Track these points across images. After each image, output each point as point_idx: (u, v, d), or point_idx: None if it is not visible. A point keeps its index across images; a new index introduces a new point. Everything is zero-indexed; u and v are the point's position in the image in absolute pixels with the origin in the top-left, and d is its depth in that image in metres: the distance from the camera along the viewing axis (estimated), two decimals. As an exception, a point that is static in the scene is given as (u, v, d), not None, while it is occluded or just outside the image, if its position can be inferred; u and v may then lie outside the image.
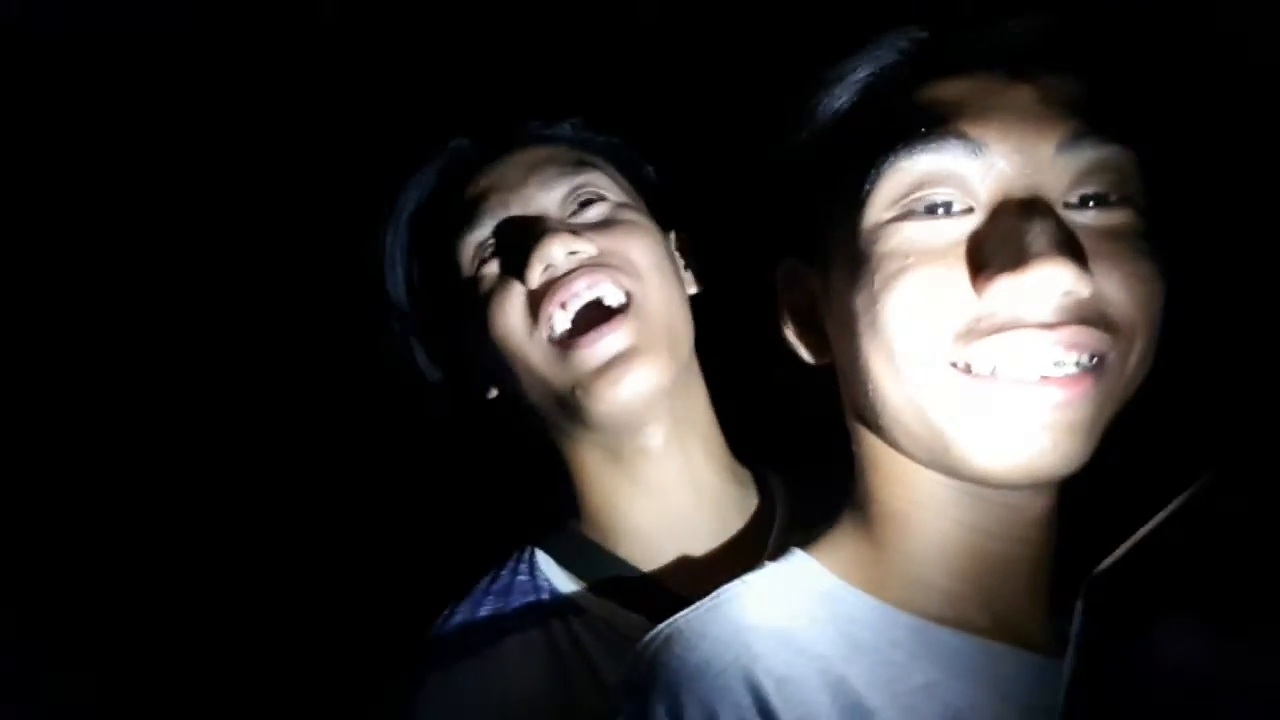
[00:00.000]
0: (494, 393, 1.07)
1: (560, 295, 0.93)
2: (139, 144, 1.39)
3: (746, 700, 0.65)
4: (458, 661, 0.96)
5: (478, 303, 0.98)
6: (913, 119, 0.68)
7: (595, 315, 0.94)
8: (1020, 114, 0.68)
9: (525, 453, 1.08)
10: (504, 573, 1.04)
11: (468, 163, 1.04)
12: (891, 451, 0.74)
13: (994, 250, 0.65)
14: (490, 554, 1.08)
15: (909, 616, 0.72)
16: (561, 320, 0.94)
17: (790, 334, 0.83)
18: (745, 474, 1.05)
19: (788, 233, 0.81)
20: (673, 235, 1.08)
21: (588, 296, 0.94)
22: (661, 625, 0.73)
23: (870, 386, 0.71)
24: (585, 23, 1.31)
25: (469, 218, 1.00)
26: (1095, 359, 0.66)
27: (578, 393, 0.93)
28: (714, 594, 0.75)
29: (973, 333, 0.66)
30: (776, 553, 0.93)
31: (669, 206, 1.08)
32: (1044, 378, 0.65)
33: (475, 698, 0.94)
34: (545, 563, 1.02)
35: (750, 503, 1.03)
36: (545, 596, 0.99)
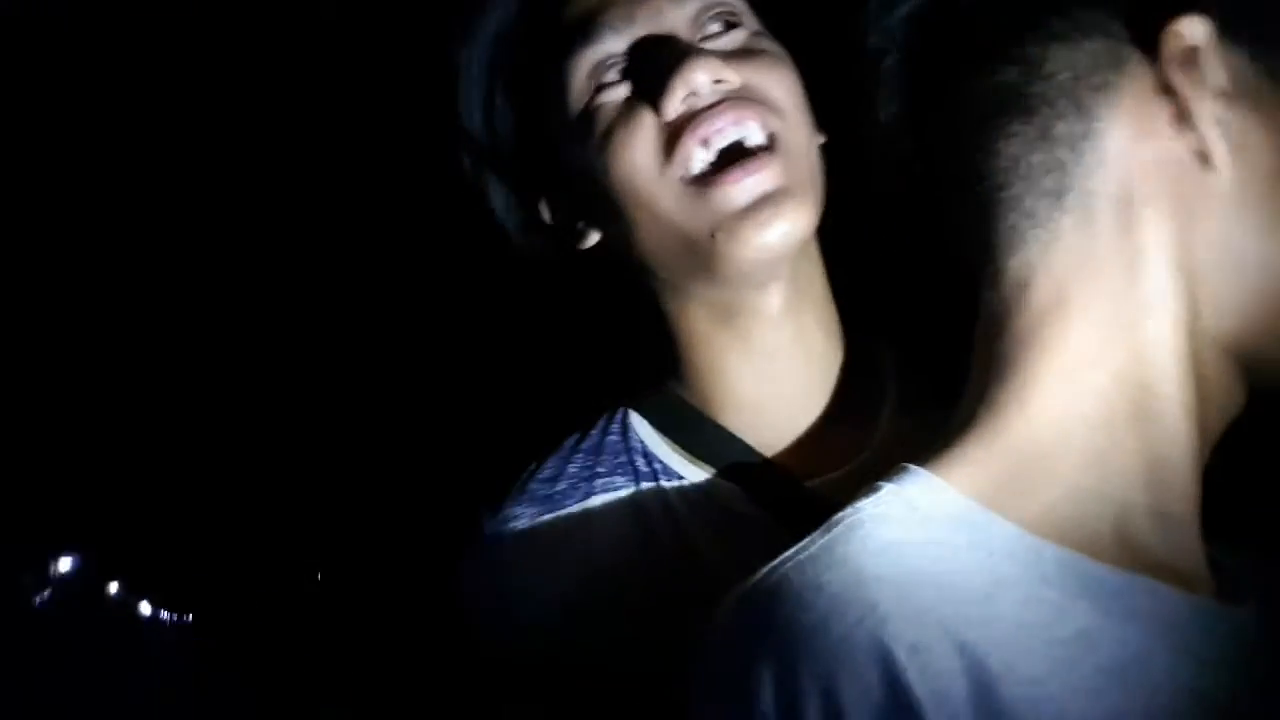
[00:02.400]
0: (593, 239, 0.98)
1: (702, 130, 0.84)
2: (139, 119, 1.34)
3: (874, 673, 0.54)
4: (542, 517, 0.94)
5: (595, 133, 0.88)
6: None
7: (736, 156, 0.85)
8: None
9: (619, 310, 1.04)
10: (594, 432, 1.00)
11: None
12: (1131, 319, 0.62)
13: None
14: (576, 416, 1.03)
15: (1062, 551, 0.60)
16: (702, 158, 0.85)
17: (1206, 108, 0.61)
18: (856, 347, 0.98)
19: None
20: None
21: (733, 135, 0.85)
22: (765, 569, 0.62)
23: None
24: None
25: (585, 32, 0.88)
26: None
27: (718, 236, 0.84)
28: (824, 526, 0.62)
29: None
30: (891, 443, 0.90)
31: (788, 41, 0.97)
32: None
33: (558, 558, 0.91)
34: (639, 424, 0.97)
35: (857, 380, 0.96)
36: (638, 458, 0.95)
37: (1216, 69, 0.59)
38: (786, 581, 0.60)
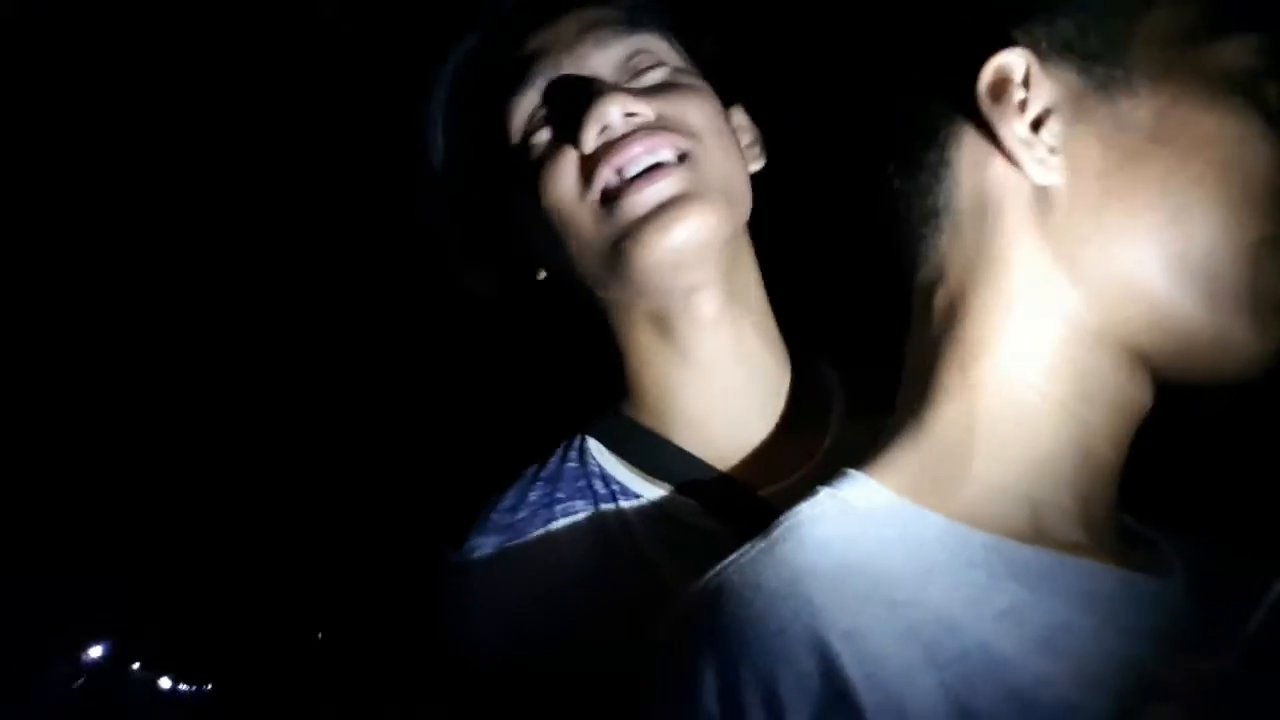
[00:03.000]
0: (543, 274, 1.03)
1: (615, 160, 0.89)
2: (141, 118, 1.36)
3: (810, 663, 0.57)
4: (504, 545, 0.96)
5: (528, 170, 0.94)
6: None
7: (648, 174, 0.90)
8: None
9: (571, 339, 1.07)
10: (552, 460, 1.03)
11: (515, 24, 0.99)
12: (1062, 323, 0.67)
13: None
14: (538, 447, 1.05)
15: (984, 534, 0.65)
16: (614, 181, 0.90)
17: (1014, 130, 0.68)
18: (801, 360, 1.02)
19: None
20: (733, 110, 1.03)
21: (646, 161, 0.90)
22: (708, 574, 0.66)
23: (1182, 248, 0.66)
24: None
25: (519, 79, 0.95)
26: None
27: (625, 244, 0.89)
28: (764, 532, 0.67)
29: None
30: (840, 449, 0.93)
31: (729, 79, 1.03)
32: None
33: (521, 581, 0.93)
34: (596, 448, 1.00)
35: (804, 392, 1.00)
36: (596, 482, 0.97)
37: (1038, 91, 0.67)
38: (727, 583, 0.63)
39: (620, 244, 0.89)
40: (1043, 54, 0.67)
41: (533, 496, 0.99)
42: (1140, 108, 0.66)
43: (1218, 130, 0.65)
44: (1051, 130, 0.67)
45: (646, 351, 0.97)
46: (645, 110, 0.91)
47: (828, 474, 0.72)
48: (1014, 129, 0.67)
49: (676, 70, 0.96)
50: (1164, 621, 0.64)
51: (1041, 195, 0.68)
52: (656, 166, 0.90)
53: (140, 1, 1.29)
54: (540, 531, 0.96)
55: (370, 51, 1.33)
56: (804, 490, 0.71)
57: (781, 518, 0.67)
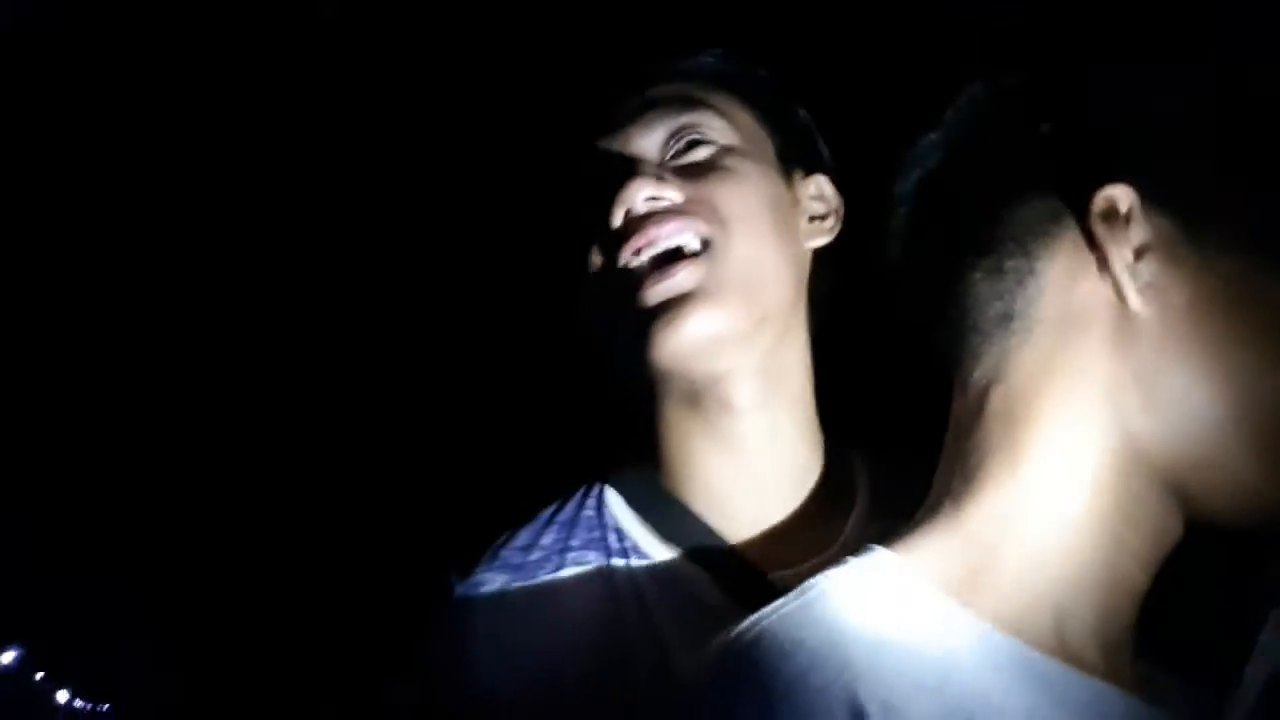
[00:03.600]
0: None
1: (636, 241, 0.92)
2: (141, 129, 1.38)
3: None
4: (512, 584, 0.96)
5: (573, 239, 0.98)
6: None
7: (669, 261, 0.92)
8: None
9: (603, 392, 1.08)
10: (569, 505, 1.03)
11: (595, 96, 1.02)
12: (1114, 458, 0.69)
13: None
14: (555, 487, 1.06)
15: (1012, 640, 0.66)
16: (635, 263, 0.93)
17: (1124, 258, 0.71)
18: (831, 449, 1.02)
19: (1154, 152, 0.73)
20: (814, 180, 1.04)
21: (664, 245, 0.92)
22: (746, 623, 0.67)
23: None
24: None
25: (583, 157, 0.99)
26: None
27: (639, 335, 0.91)
28: (796, 591, 0.69)
29: None
30: (857, 544, 0.93)
31: (814, 148, 1.06)
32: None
33: (524, 623, 0.94)
34: (615, 501, 1.01)
35: (830, 481, 1.00)
36: (611, 535, 0.98)
37: (1137, 228, 0.70)
38: (768, 634, 0.65)
39: (637, 329, 0.92)
40: (1144, 194, 0.70)
41: (546, 540, 1.00)
42: (1228, 262, 0.69)
43: None
44: (1149, 264, 0.70)
45: (677, 423, 0.98)
46: (671, 194, 0.93)
47: (844, 558, 0.72)
48: (1124, 254, 0.70)
49: (723, 150, 0.97)
50: None
51: (1127, 323, 0.70)
52: (677, 254, 0.92)
53: (140, 2, 1.32)
54: (549, 577, 0.96)
55: (370, 52, 1.35)
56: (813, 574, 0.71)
57: (813, 580, 0.69)
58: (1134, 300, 0.69)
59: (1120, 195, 0.70)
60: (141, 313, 1.45)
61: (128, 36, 1.32)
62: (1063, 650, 0.67)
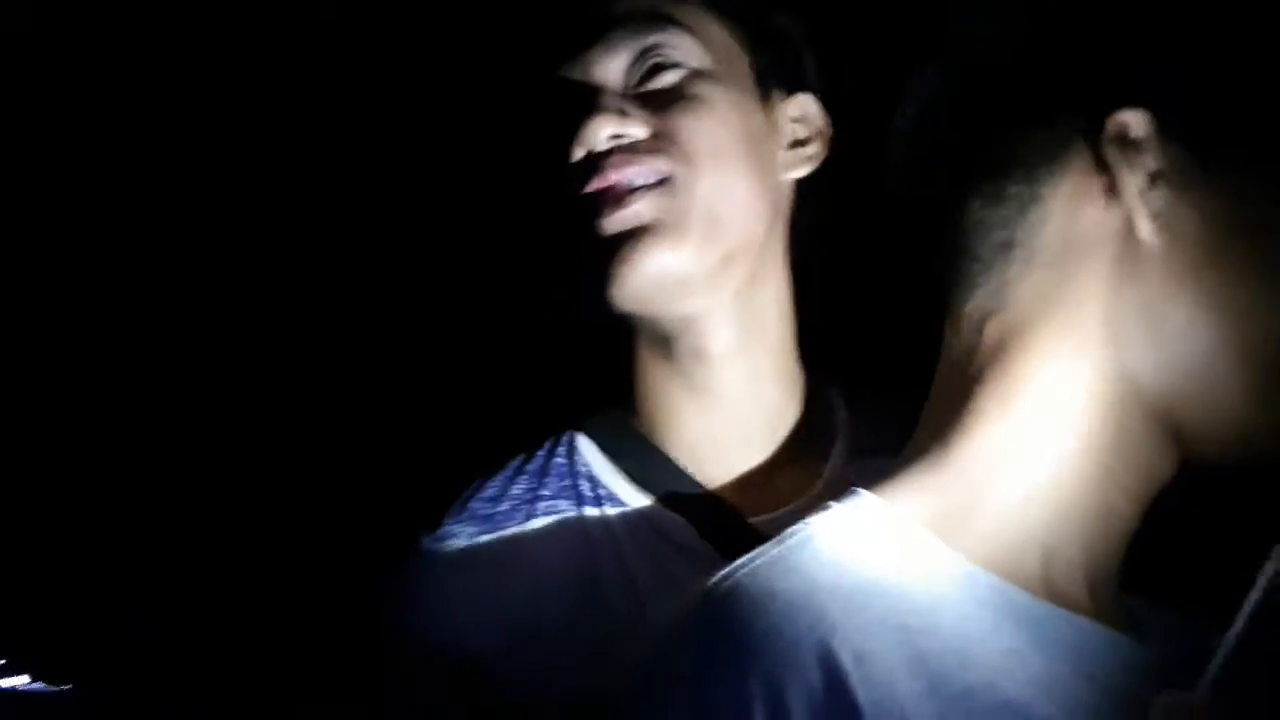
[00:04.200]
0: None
1: (596, 182, 0.87)
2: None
3: (818, 678, 0.58)
4: (481, 536, 0.93)
5: (535, 173, 0.93)
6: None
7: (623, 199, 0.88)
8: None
9: (575, 332, 1.04)
10: (540, 453, 0.99)
11: (560, 12, 0.96)
12: (1108, 386, 0.67)
13: None
14: (525, 436, 1.02)
15: (997, 580, 0.65)
16: (595, 202, 0.88)
17: (1137, 186, 0.68)
18: (810, 390, 0.98)
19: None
20: (797, 100, 0.98)
21: (626, 186, 0.87)
22: (720, 574, 0.65)
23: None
24: None
25: (543, 82, 0.93)
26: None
27: (598, 270, 0.87)
28: (777, 539, 0.67)
29: None
30: (837, 485, 0.90)
31: (798, 64, 0.99)
32: None
33: (495, 576, 0.91)
34: (587, 447, 0.97)
35: (809, 423, 0.96)
36: (583, 483, 0.94)
37: (1150, 154, 0.67)
38: (741, 587, 0.63)
39: (593, 265, 0.87)
40: (1159, 120, 0.67)
41: (516, 489, 0.96)
42: (1240, 194, 0.66)
43: None
44: (1161, 192, 0.67)
45: (651, 369, 0.94)
46: (634, 130, 0.88)
47: (823, 503, 0.70)
48: (1137, 180, 0.67)
49: (692, 75, 0.91)
50: (1138, 685, 0.64)
51: (1134, 253, 0.67)
52: (636, 189, 0.87)
53: (139, 2, 1.28)
54: (519, 528, 0.92)
55: (370, 53, 1.31)
56: (794, 521, 0.69)
57: (794, 528, 0.67)
58: (1145, 229, 0.66)
59: (1134, 121, 0.67)
60: (138, 313, 1.42)
61: (126, 37, 1.28)
62: (1049, 589, 0.66)
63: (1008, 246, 0.70)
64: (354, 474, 1.33)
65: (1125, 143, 0.67)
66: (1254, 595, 0.57)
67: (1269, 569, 0.57)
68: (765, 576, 0.63)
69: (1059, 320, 0.68)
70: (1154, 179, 0.67)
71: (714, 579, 0.65)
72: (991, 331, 0.71)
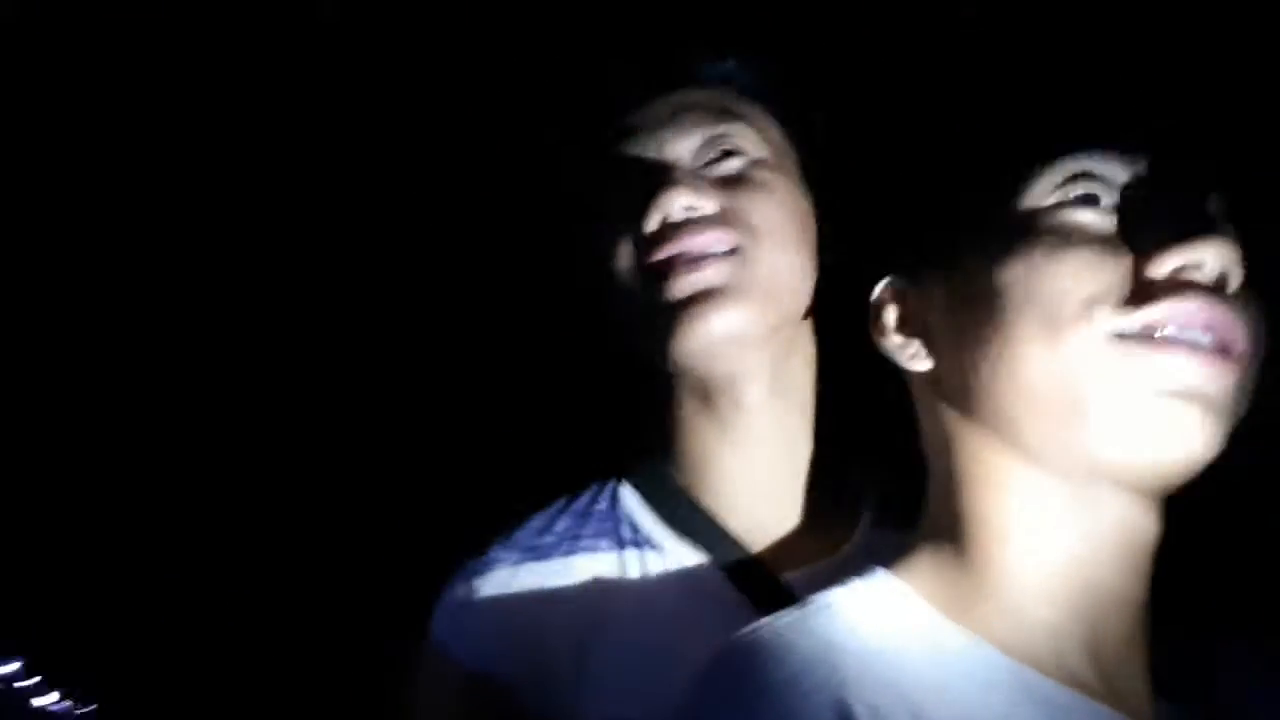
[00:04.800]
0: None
1: (670, 247, 0.94)
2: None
3: None
4: (525, 561, 0.99)
5: (605, 234, 1.00)
6: (1074, 122, 0.79)
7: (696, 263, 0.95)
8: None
9: (622, 388, 1.10)
10: (584, 497, 1.07)
11: (628, 93, 1.04)
12: (1002, 460, 0.74)
13: (1155, 231, 0.72)
14: (568, 485, 1.09)
15: (1010, 661, 0.69)
16: (665, 265, 0.95)
17: (895, 345, 0.85)
18: (839, 458, 1.05)
19: (903, 247, 0.87)
20: None
21: (697, 253, 0.94)
22: (744, 630, 0.71)
23: (1014, 365, 0.72)
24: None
25: (613, 154, 1.01)
26: (1232, 344, 0.70)
27: (665, 323, 0.94)
28: (800, 604, 0.73)
29: (1136, 299, 0.71)
30: (862, 551, 0.97)
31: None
32: (1194, 353, 0.69)
33: (535, 599, 0.97)
34: (628, 495, 1.04)
35: (843, 484, 1.03)
36: (624, 527, 1.01)
37: (904, 307, 0.85)
38: (764, 641, 0.69)
39: (661, 322, 0.94)
40: (894, 282, 0.86)
41: (560, 526, 1.03)
42: (957, 275, 0.79)
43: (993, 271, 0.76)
44: (916, 325, 0.83)
45: (690, 419, 1.01)
46: (707, 204, 0.96)
47: (847, 570, 0.77)
48: (889, 342, 0.85)
49: (754, 163, 1.00)
50: None
51: (925, 376, 0.82)
52: (706, 257, 0.94)
53: (138, 3, 1.32)
54: (561, 560, 0.99)
55: (370, 54, 1.35)
56: (822, 580, 0.76)
57: (817, 596, 0.73)
58: (915, 366, 0.83)
59: (877, 292, 0.87)
60: (136, 313, 1.45)
61: (125, 38, 1.33)
62: (1059, 670, 0.70)
63: None
64: (400, 522, 1.38)
65: (875, 311, 0.87)
66: None
67: None
68: (787, 634, 0.69)
69: (946, 446, 0.80)
70: (907, 317, 0.84)
71: (741, 632, 0.71)
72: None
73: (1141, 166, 0.76)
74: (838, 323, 1.05)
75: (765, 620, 0.71)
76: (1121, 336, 0.70)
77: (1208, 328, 0.69)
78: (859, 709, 0.63)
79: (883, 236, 0.89)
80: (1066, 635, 0.71)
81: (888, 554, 0.79)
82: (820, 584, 0.76)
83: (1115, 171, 0.76)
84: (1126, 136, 0.76)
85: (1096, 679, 0.71)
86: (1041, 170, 0.76)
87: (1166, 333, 0.69)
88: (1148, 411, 0.69)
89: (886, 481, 1.04)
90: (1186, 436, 0.69)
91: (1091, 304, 0.71)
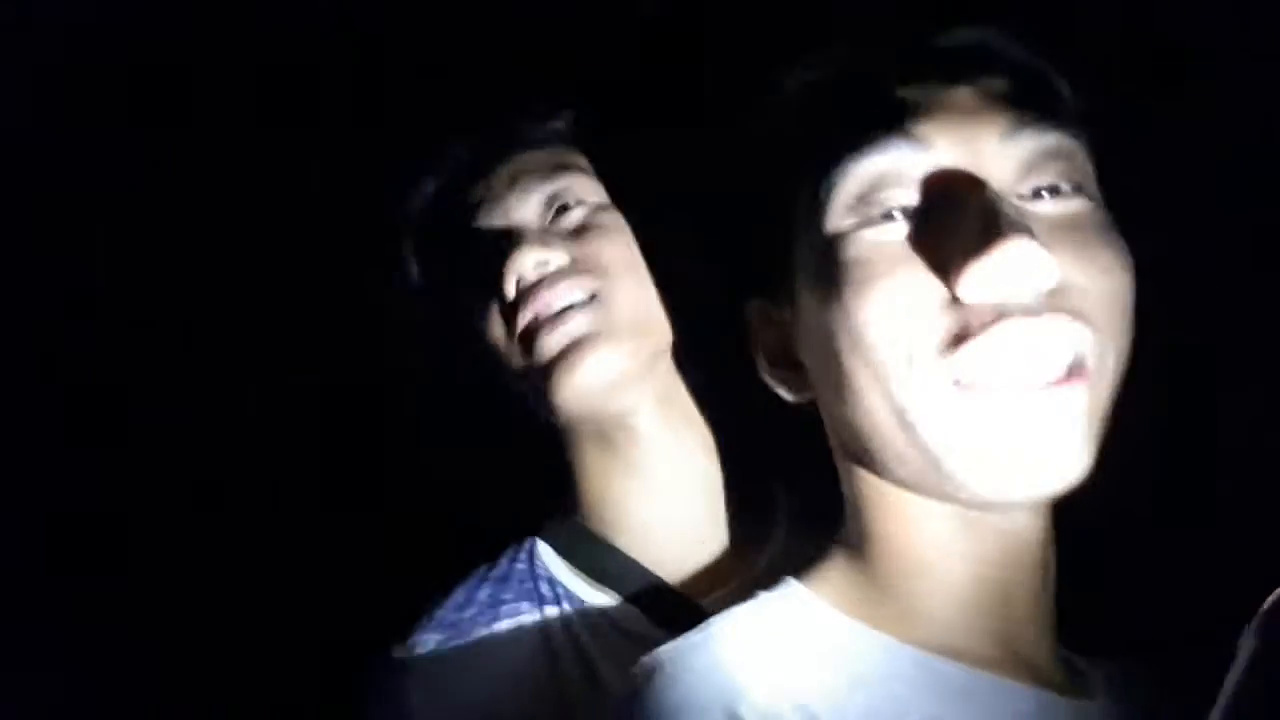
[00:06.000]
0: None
1: (531, 307, 0.96)
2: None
3: None
4: (447, 643, 0.98)
5: (472, 312, 1.02)
6: (857, 123, 0.68)
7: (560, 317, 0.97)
8: (961, 111, 0.68)
9: (524, 446, 1.10)
10: (503, 561, 1.06)
11: (465, 170, 1.07)
12: (882, 483, 0.73)
13: (955, 244, 0.64)
14: (490, 550, 1.08)
15: (911, 649, 0.69)
16: (533, 325, 0.97)
17: (767, 374, 0.83)
18: (748, 473, 1.05)
19: (753, 269, 0.82)
20: None
21: (557, 306, 0.97)
22: (645, 658, 0.71)
23: (857, 410, 0.69)
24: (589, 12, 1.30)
25: (460, 232, 1.03)
26: (1077, 361, 0.64)
27: (543, 383, 0.96)
28: (700, 626, 0.73)
29: (958, 339, 0.64)
30: (777, 568, 0.96)
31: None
32: (1031, 385, 0.64)
33: (461, 677, 0.96)
34: (545, 552, 1.04)
35: (752, 502, 1.04)
36: (544, 585, 1.01)
37: (774, 322, 0.80)
38: (659, 666, 0.69)
39: (542, 382, 0.96)
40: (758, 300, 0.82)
41: (481, 595, 1.02)
42: (798, 307, 0.76)
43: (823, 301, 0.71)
44: (790, 351, 0.79)
45: (593, 463, 1.02)
46: (557, 257, 0.98)
47: (765, 584, 0.77)
48: (764, 372, 0.83)
49: (596, 209, 1.02)
50: None
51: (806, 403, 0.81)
52: (568, 308, 0.96)
53: (137, 3, 1.30)
54: (485, 631, 0.98)
55: (368, 59, 1.35)
56: (737, 600, 0.76)
57: (722, 614, 0.73)
58: (789, 395, 0.81)
59: (748, 311, 0.84)
60: (135, 315, 1.40)
61: (124, 38, 1.31)
62: (967, 654, 0.70)
63: None
64: (323, 591, 1.35)
65: (754, 339, 0.84)
66: (1234, 676, 0.56)
67: (1245, 645, 0.56)
68: (686, 655, 0.70)
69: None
70: (775, 345, 0.81)
71: (641, 661, 0.71)
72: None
73: (947, 157, 0.67)
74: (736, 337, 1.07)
75: (667, 645, 0.72)
76: (956, 383, 0.64)
77: (1034, 354, 0.63)
78: (751, 718, 0.63)
79: (730, 260, 0.87)
80: (966, 628, 0.72)
81: (802, 564, 0.79)
82: (736, 602, 0.76)
83: (910, 163, 0.67)
84: (911, 118, 0.67)
85: (1007, 658, 0.71)
86: (831, 183, 0.68)
87: (997, 372, 0.63)
88: (1001, 453, 0.64)
89: (803, 491, 1.06)
90: (1048, 467, 0.64)
91: (912, 354, 0.65)
